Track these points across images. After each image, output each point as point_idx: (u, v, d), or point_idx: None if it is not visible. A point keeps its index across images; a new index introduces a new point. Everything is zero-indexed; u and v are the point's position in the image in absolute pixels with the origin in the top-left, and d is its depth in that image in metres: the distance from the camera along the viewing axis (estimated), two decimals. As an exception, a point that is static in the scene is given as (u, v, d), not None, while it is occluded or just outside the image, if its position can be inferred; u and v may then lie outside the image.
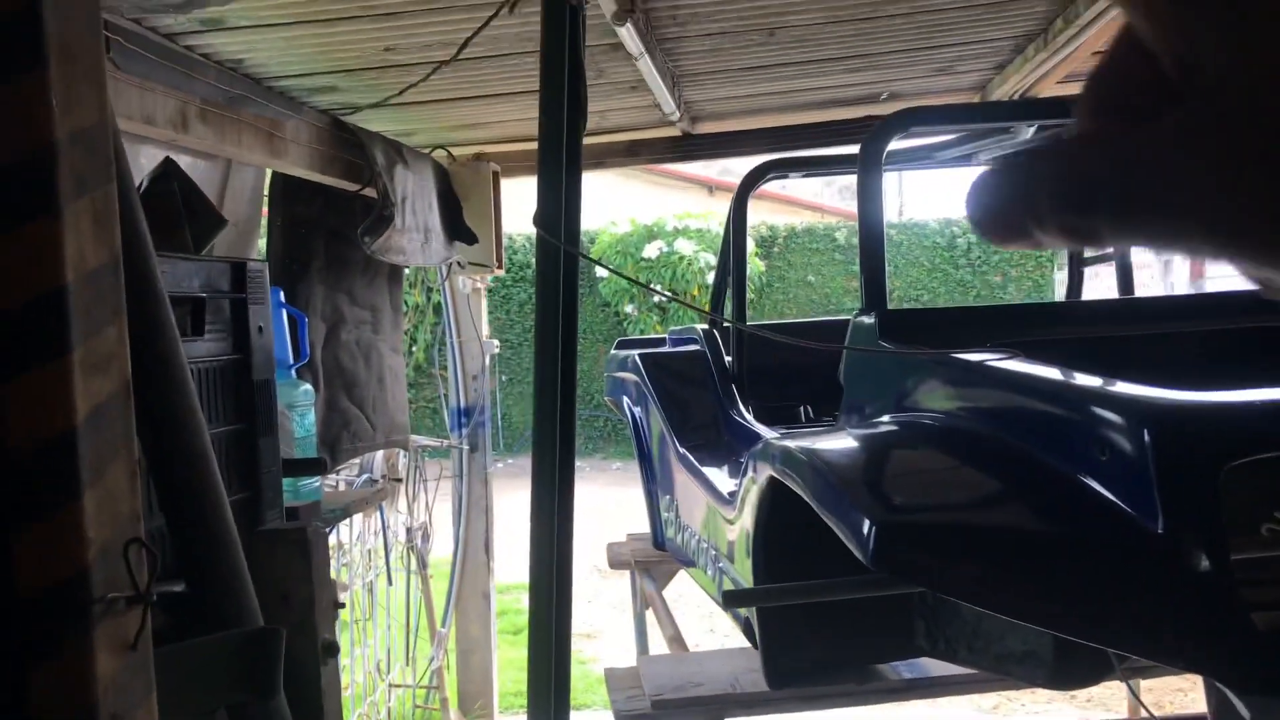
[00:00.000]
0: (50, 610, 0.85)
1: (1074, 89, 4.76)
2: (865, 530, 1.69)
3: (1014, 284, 13.88)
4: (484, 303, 5.33)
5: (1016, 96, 4.64)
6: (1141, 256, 12.17)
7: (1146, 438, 1.59)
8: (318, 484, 2.28)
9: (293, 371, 2.32)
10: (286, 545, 1.41)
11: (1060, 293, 13.62)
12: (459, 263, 4.57)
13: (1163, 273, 11.71)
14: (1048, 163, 0.32)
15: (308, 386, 2.32)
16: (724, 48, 3.71)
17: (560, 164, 1.97)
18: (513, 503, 6.74)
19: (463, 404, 5.24)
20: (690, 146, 5.09)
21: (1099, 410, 1.72)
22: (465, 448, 5.22)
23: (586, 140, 5.03)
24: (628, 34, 3.02)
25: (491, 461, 5.42)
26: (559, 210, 2.00)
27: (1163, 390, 1.69)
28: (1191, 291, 10.05)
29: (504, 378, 13.29)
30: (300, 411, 2.19)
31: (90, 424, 0.87)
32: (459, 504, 5.30)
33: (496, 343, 5.45)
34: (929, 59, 4.19)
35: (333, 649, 1.49)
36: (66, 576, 0.85)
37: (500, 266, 4.74)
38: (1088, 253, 4.11)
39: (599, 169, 5.30)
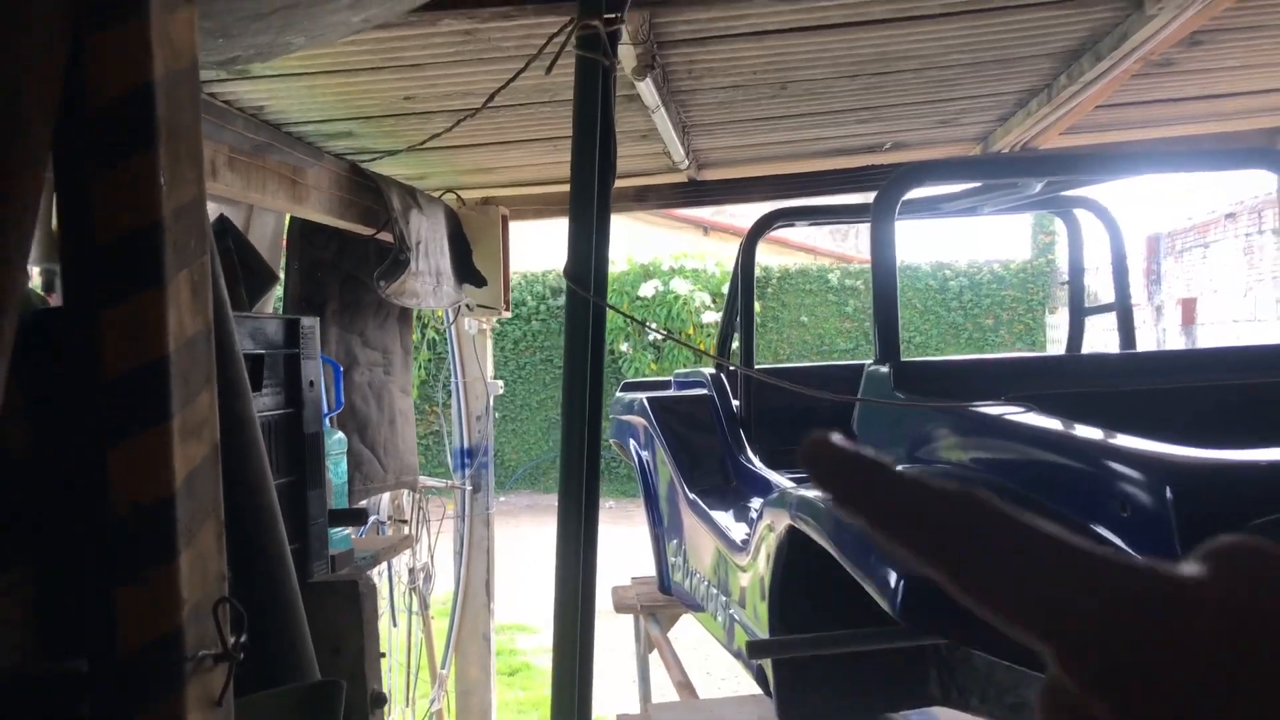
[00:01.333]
0: (147, 668, 0.87)
1: (1076, 141, 4.86)
2: (894, 583, 1.72)
3: (1005, 327, 13.99)
4: (489, 344, 5.37)
5: (1017, 148, 4.73)
6: (1135, 303, 12.29)
7: (1169, 495, 1.63)
8: (346, 531, 2.31)
9: (327, 420, 2.35)
10: (338, 597, 1.43)
11: (1051, 335, 13.74)
12: (467, 305, 4.62)
13: (1155, 319, 11.83)
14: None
15: (341, 435, 2.35)
16: (736, 100, 3.78)
17: (591, 218, 2.02)
18: (505, 540, 6.73)
19: (466, 444, 5.26)
20: (697, 192, 5.17)
21: (1120, 466, 1.76)
22: (469, 488, 5.23)
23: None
24: (646, 88, 3.08)
25: (493, 501, 5.44)
26: (589, 263, 2.05)
27: (1183, 448, 1.73)
28: (1183, 339, 10.15)
29: (497, 414, 13.31)
30: (335, 460, 2.22)
31: (186, 488, 0.90)
32: (460, 545, 5.30)
33: (500, 384, 5.48)
34: (935, 111, 4.28)
35: (380, 700, 1.51)
36: (162, 635, 0.88)
37: (507, 309, 4.79)
38: (1088, 303, 4.18)
39: (612, 213, 5.36)
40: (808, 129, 4.38)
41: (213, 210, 2.50)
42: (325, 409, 2.29)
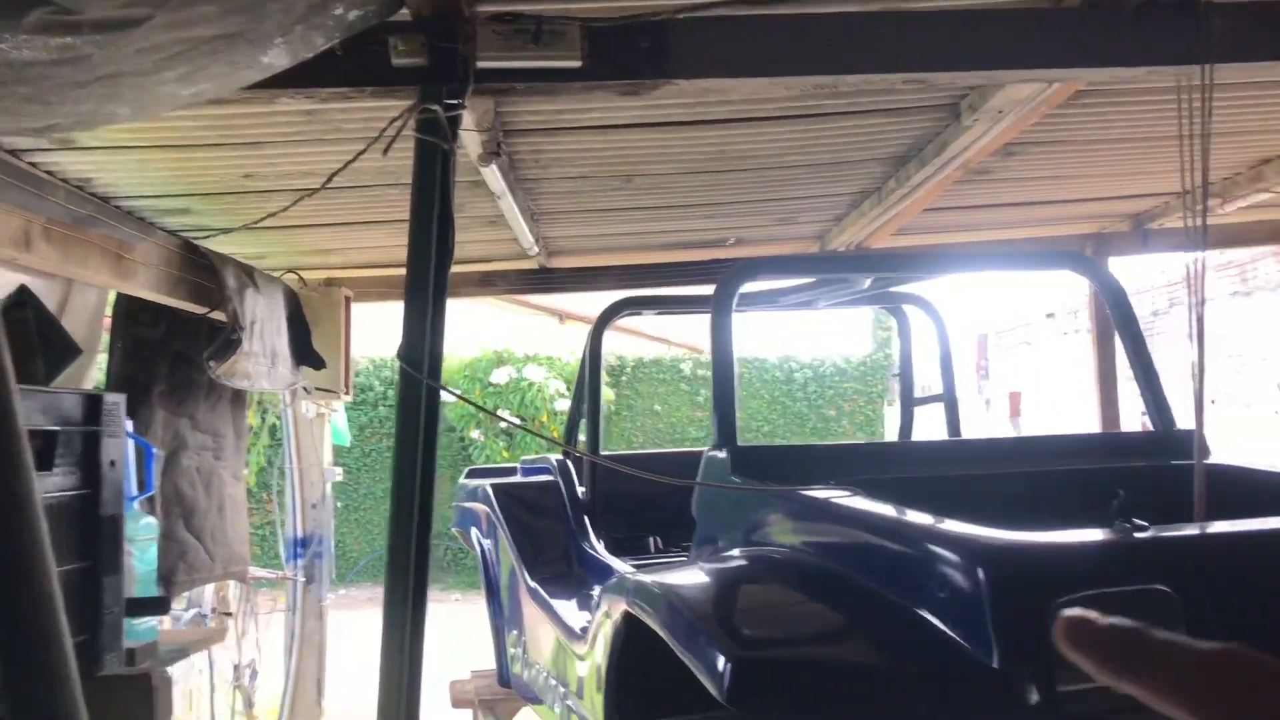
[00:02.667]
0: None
1: (905, 241, 5.13)
2: (720, 667, 1.71)
3: (847, 418, 14.47)
4: (327, 429, 5.21)
5: (852, 247, 4.96)
6: (962, 395, 12.93)
7: (981, 576, 1.69)
8: (154, 622, 2.16)
9: (134, 503, 2.22)
10: (130, 691, 1.33)
11: (889, 426, 14.27)
12: (305, 388, 4.48)
13: (985, 411, 12.45)
14: None
15: (150, 519, 2.22)
16: (583, 190, 3.85)
17: (427, 301, 2.00)
18: (342, 634, 6.44)
19: (299, 533, 5.05)
20: (546, 279, 5.21)
21: (937, 549, 1.83)
22: (301, 579, 5.01)
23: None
24: (492, 174, 3.11)
25: (326, 593, 5.22)
26: (423, 345, 2.02)
27: (995, 530, 1.80)
28: (1011, 429, 10.68)
29: (339, 503, 12.87)
30: (141, 546, 2.09)
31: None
32: (291, 639, 5.05)
33: (339, 470, 5.31)
34: (774, 209, 4.46)
35: (175, 804, 1.39)
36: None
37: (348, 392, 4.67)
38: (917, 394, 4.36)
39: (452, 297, 5.33)
40: (654, 221, 4.49)
41: (15, 281, 2.37)
42: (131, 491, 2.16)
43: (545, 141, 3.17)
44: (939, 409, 3.99)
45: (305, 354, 4.16)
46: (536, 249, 4.41)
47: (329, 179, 2.50)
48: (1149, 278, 8.70)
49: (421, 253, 2.00)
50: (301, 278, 4.55)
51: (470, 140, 2.78)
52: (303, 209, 3.33)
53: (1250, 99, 3.23)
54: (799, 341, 14.67)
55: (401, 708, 1.98)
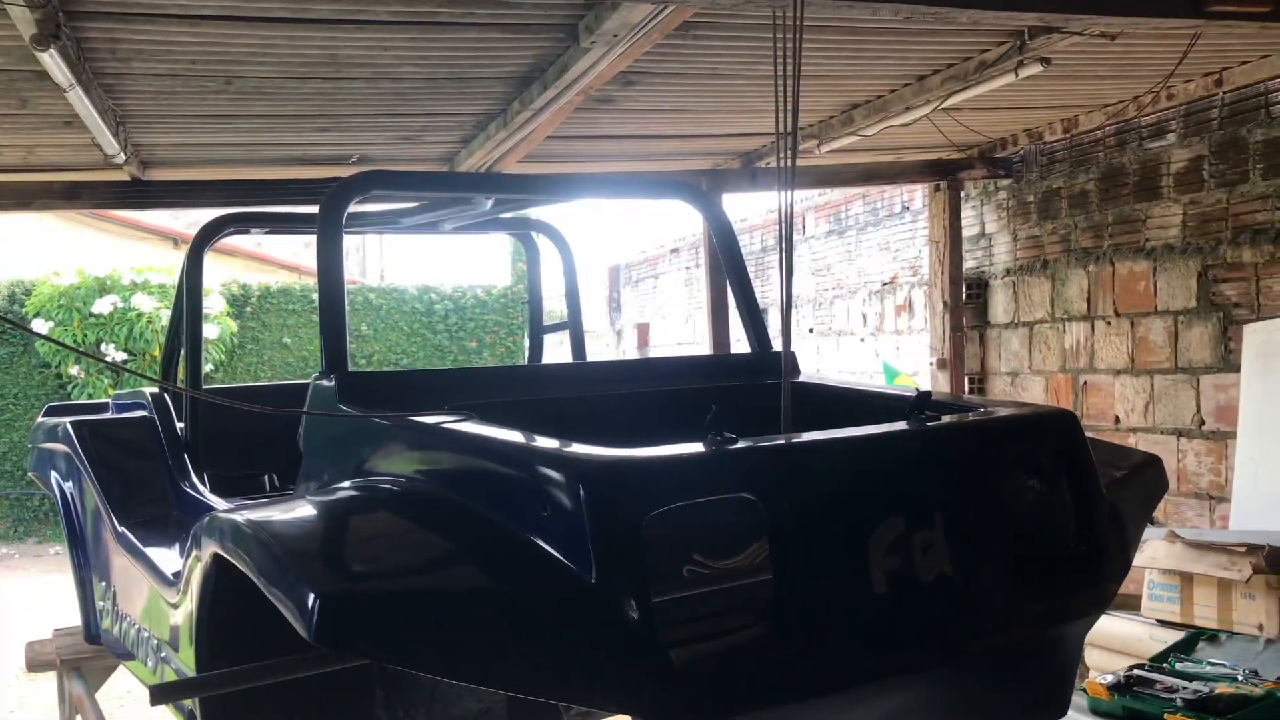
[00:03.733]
0: None
1: (533, 168, 5.12)
2: (309, 605, 1.59)
3: (488, 349, 14.51)
4: None
5: (481, 170, 4.87)
6: (595, 326, 13.36)
7: (582, 493, 1.69)
8: None
9: None
10: None
11: (530, 358, 14.49)
12: None
13: (616, 342, 12.94)
14: None
15: None
16: (177, 91, 3.45)
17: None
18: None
19: None
20: (141, 193, 4.66)
21: (540, 469, 1.80)
22: None
23: (13, 178, 4.43)
24: (53, 62, 2.69)
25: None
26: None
27: (590, 447, 1.80)
28: (638, 357, 11.18)
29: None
30: None
31: None
32: None
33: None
34: (397, 126, 4.26)
35: None
36: None
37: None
38: (545, 321, 4.39)
39: (27, 210, 4.65)
40: (264, 133, 4.14)
41: None
42: None
43: (122, 29, 2.79)
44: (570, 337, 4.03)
45: None
46: (124, 157, 3.92)
47: None
48: (762, 215, 9.36)
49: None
50: None
51: (21, 19, 2.37)
52: None
53: (843, 43, 3.48)
54: (439, 272, 14.46)
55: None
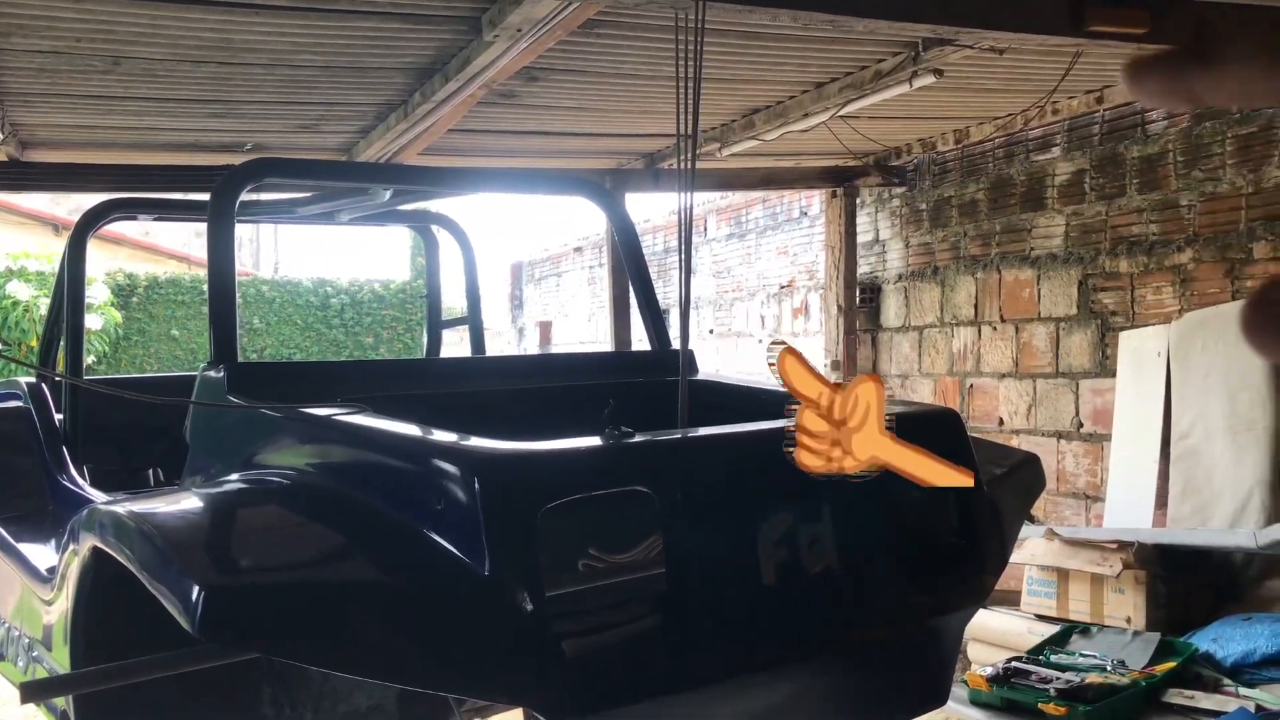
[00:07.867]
0: None
1: (434, 160, 5.06)
2: (193, 597, 1.55)
3: (385, 345, 14.29)
4: None
5: (381, 160, 4.80)
6: (497, 324, 13.24)
7: (476, 486, 1.68)
8: None
9: None
10: None
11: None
12: None
13: (518, 340, 12.88)
14: None
15: None
16: (59, 69, 3.32)
17: None
18: None
19: None
20: (20, 175, 4.47)
21: (434, 462, 1.79)
22: None
23: (-126, 154, 4.17)
24: (-77, 32, 2.57)
25: None
26: None
27: (485, 440, 1.80)
28: (538, 353, 11.14)
29: None
30: None
31: None
32: None
33: None
34: (293, 115, 4.17)
35: None
36: None
37: None
38: (445, 316, 4.34)
39: (-106, 190, 4.41)
40: (154, 116, 4.01)
41: None
42: None
43: (1, 2, 2.67)
44: (470, 333, 4.00)
45: None
46: (1, 136, 3.75)
47: None
48: (665, 216, 9.43)
49: None
50: None
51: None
52: None
53: (744, 48, 3.54)
54: (336, 265, 14.16)
55: None
